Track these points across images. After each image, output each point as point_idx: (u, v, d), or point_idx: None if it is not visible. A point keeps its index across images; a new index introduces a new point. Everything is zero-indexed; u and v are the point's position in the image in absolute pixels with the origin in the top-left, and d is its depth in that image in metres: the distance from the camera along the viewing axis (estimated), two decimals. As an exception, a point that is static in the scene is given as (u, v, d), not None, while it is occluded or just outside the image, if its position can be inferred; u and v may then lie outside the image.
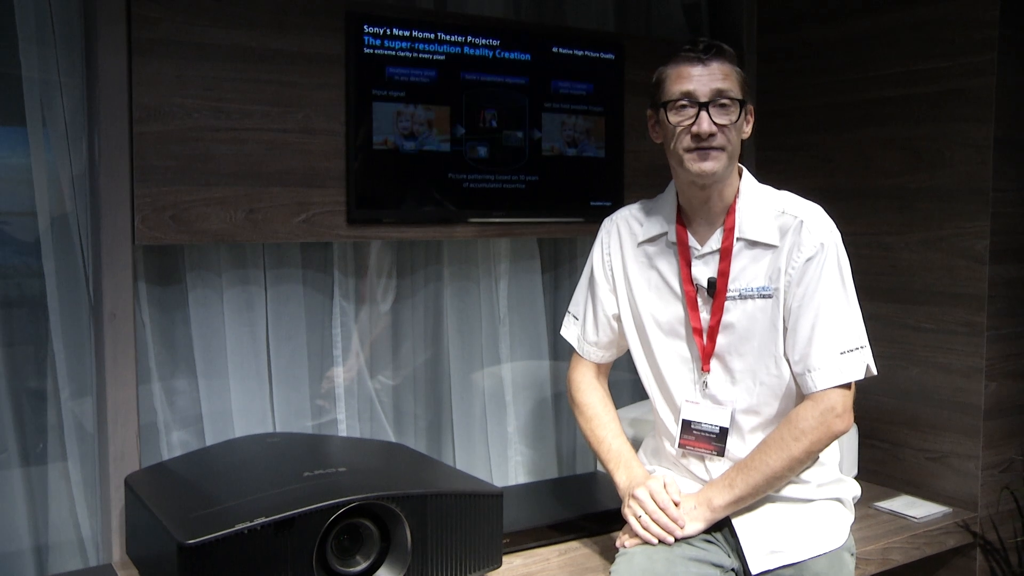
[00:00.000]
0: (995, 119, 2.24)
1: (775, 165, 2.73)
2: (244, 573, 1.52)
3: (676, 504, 1.78)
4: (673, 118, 1.75)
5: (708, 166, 1.73)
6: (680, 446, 1.86)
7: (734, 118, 1.73)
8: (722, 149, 1.73)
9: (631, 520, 1.80)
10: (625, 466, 1.89)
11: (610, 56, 2.49)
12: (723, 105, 1.72)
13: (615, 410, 2.01)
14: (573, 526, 2.10)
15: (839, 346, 1.74)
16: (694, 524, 1.77)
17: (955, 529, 2.28)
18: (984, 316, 2.28)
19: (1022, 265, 2.33)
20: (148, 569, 1.75)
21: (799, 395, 1.79)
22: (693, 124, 1.72)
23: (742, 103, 1.74)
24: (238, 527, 1.51)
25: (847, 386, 1.75)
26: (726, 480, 1.79)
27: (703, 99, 1.71)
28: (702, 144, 1.72)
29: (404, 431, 2.48)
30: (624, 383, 2.68)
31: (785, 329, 1.78)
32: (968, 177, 2.30)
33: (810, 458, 1.77)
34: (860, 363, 1.76)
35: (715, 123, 1.71)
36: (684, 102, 1.73)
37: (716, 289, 1.81)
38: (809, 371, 1.74)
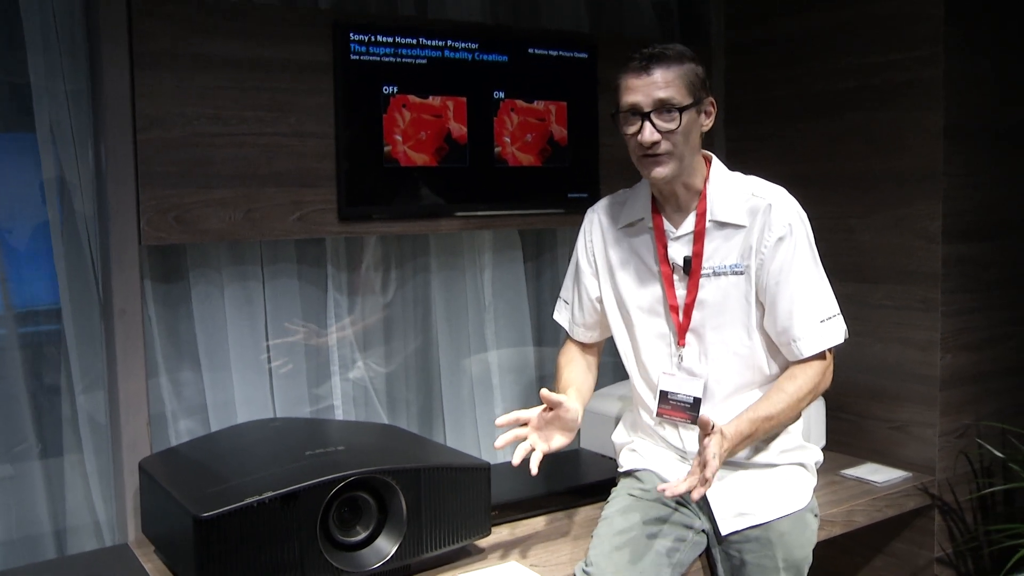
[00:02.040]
0: (944, 108, 2.39)
1: (745, 154, 2.88)
2: (254, 544, 1.65)
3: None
4: (623, 128, 1.90)
5: (658, 172, 1.88)
6: (658, 415, 2.01)
7: (677, 124, 1.85)
8: (668, 154, 1.86)
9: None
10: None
11: (583, 55, 2.63)
12: (667, 111, 1.85)
13: (584, 370, 2.13)
14: (558, 498, 2.24)
15: (818, 315, 1.91)
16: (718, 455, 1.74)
17: (915, 492, 2.43)
18: (938, 293, 2.43)
19: (972, 244, 2.49)
20: (164, 545, 1.89)
21: (779, 364, 1.96)
22: (639, 133, 1.86)
23: (685, 108, 1.85)
24: (248, 501, 1.64)
25: (828, 351, 1.93)
26: (737, 424, 1.83)
27: (646, 109, 1.85)
28: (648, 152, 1.86)
29: (397, 415, 2.62)
30: (606, 365, 2.81)
31: (759, 304, 1.93)
32: (922, 162, 2.44)
33: (809, 400, 1.92)
34: (838, 329, 1.94)
35: (659, 131, 1.85)
36: (631, 112, 1.87)
37: (691, 268, 1.95)
38: (794, 340, 1.90)
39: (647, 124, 1.84)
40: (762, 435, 1.90)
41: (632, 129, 1.88)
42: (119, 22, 2.01)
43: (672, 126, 1.85)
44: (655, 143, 1.85)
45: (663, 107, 1.84)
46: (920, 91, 2.43)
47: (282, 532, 1.68)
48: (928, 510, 2.48)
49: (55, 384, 2.17)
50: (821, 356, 1.92)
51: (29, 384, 2.13)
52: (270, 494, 1.67)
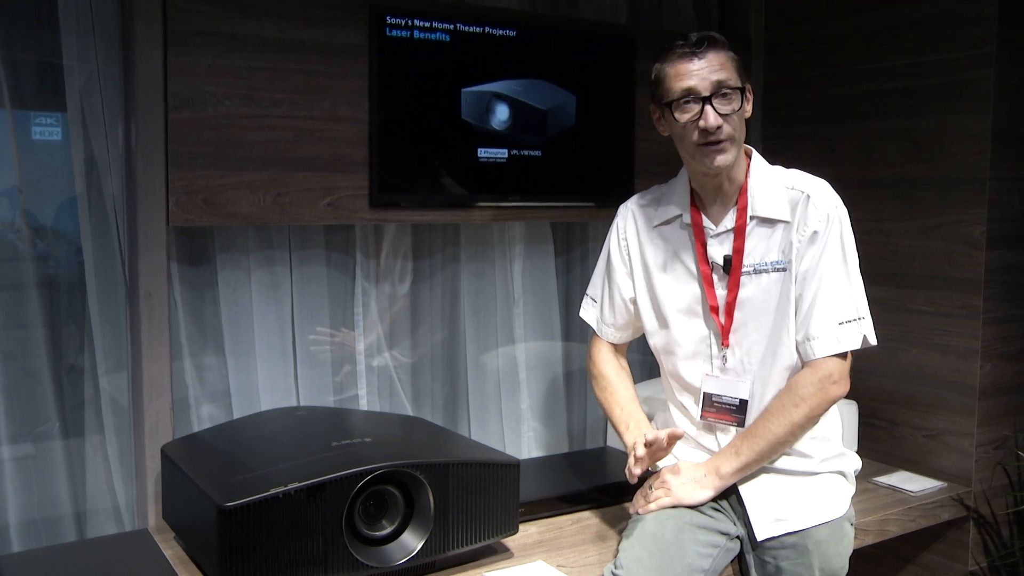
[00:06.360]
0: (992, 111, 2.32)
1: (781, 154, 2.81)
2: (279, 535, 1.61)
3: (679, 436, 1.87)
4: (680, 116, 1.82)
5: (721, 160, 1.82)
6: (702, 418, 1.95)
7: (736, 106, 1.80)
8: (730, 139, 1.81)
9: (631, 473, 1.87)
10: (635, 426, 1.97)
11: (621, 47, 2.58)
12: (724, 95, 1.79)
13: (631, 380, 2.10)
14: (585, 497, 2.20)
15: (838, 316, 1.83)
16: (704, 492, 1.87)
17: (949, 503, 2.38)
18: (980, 300, 2.37)
19: (1017, 251, 2.43)
20: (186, 533, 1.86)
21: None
22: (700, 119, 1.79)
23: (742, 90, 1.82)
24: (273, 491, 1.60)
25: (844, 355, 1.84)
26: (732, 449, 1.88)
27: (705, 93, 1.79)
28: (711, 138, 1.80)
29: (422, 407, 2.58)
30: (631, 363, 2.77)
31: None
32: (966, 167, 2.38)
33: (811, 423, 1.86)
34: (857, 333, 1.85)
35: (720, 114, 1.79)
36: (688, 99, 1.80)
37: (732, 266, 1.89)
38: (808, 340, 1.84)
39: (708, 108, 1.78)
40: (767, 457, 1.87)
41: (691, 116, 1.81)
42: (154, 0, 1.98)
43: (733, 107, 1.80)
44: (719, 127, 1.79)
45: (721, 89, 1.79)
46: (968, 93, 2.37)
47: (307, 524, 1.64)
48: (963, 522, 2.42)
49: (78, 364, 2.14)
50: (836, 359, 1.83)
51: (52, 364, 2.10)
52: (296, 485, 1.63)
